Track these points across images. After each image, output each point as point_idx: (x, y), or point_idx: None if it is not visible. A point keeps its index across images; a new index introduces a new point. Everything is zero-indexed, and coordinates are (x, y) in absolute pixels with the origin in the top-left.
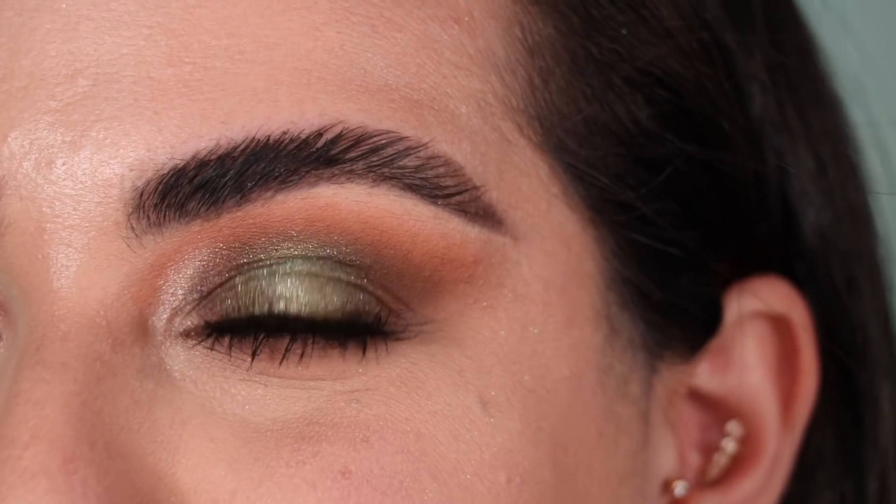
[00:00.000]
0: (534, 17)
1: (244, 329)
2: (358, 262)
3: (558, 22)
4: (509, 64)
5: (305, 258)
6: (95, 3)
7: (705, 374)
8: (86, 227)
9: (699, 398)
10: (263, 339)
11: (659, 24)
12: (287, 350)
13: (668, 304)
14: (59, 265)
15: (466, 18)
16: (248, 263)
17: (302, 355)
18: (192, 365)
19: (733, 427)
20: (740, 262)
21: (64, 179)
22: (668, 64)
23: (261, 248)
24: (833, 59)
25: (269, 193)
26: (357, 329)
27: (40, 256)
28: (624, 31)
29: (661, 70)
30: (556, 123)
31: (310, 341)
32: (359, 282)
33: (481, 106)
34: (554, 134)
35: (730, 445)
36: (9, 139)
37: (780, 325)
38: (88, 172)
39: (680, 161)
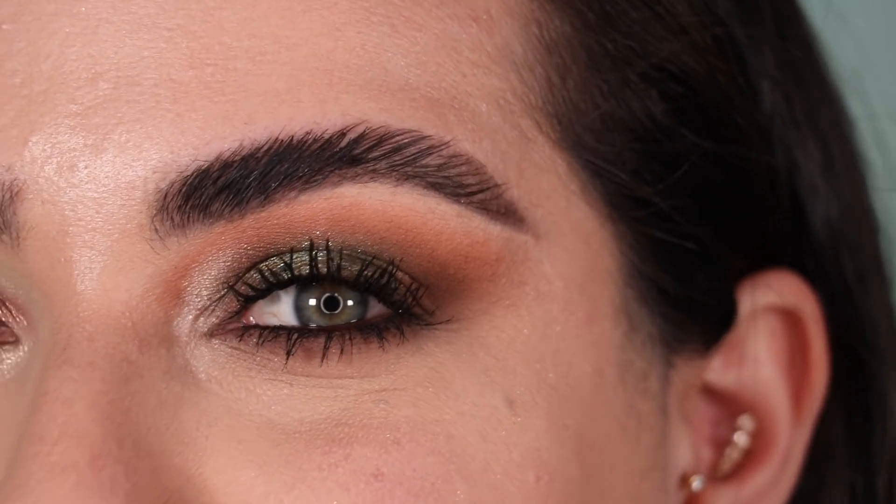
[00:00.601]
0: (550, 15)
1: (270, 326)
2: (384, 259)
3: (574, 19)
4: (527, 62)
5: (332, 254)
6: (115, 6)
7: (718, 368)
8: (109, 229)
9: (711, 392)
10: (296, 337)
11: (673, 20)
12: (325, 348)
13: (685, 299)
14: (82, 268)
15: (484, 17)
16: (272, 256)
17: (340, 352)
18: (216, 365)
19: (745, 421)
20: (753, 256)
21: (86, 183)
22: (683, 60)
23: (285, 248)
24: (832, 53)
25: (293, 194)
26: (389, 317)
27: (63, 260)
28: (637, 28)
29: (676, 66)
30: (573, 120)
31: (336, 334)
32: (388, 268)
33: (500, 104)
34: (572, 131)
35: (742, 440)
36: (30, 143)
37: (790, 319)
38: (111, 175)
39: (696, 156)
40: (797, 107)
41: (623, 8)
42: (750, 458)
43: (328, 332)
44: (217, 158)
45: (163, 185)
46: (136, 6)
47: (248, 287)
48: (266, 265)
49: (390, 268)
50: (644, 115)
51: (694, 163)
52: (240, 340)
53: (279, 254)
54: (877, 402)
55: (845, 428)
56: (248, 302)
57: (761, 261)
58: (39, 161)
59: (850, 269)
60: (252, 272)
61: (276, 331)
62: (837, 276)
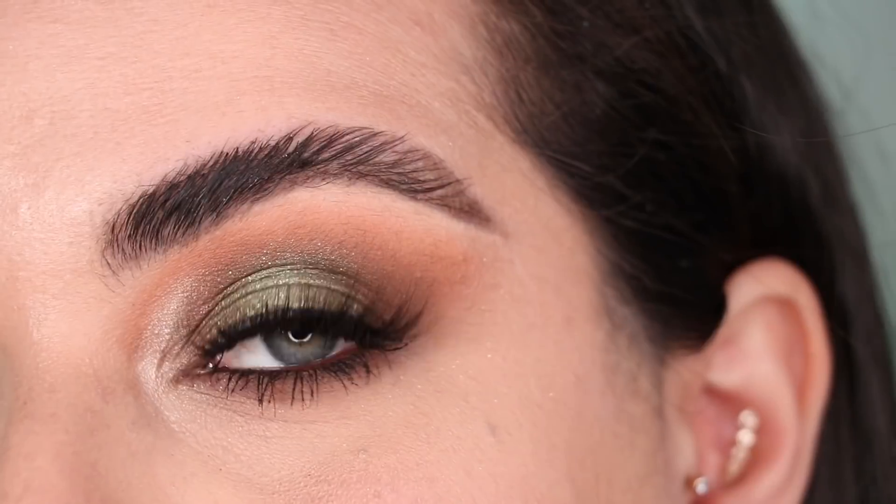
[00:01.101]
0: (497, 16)
1: (240, 370)
2: (345, 268)
3: (522, 18)
4: (477, 63)
5: (292, 269)
6: (42, 40)
7: (717, 366)
8: (59, 270)
9: (711, 393)
10: (267, 381)
11: (623, 18)
12: (294, 389)
13: (667, 294)
14: (36, 315)
15: (427, 21)
16: (233, 283)
17: (311, 393)
18: (188, 415)
19: (747, 417)
20: (739, 246)
21: (31, 224)
22: (637, 56)
23: (245, 267)
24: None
25: (245, 206)
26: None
27: (16, 307)
28: (586, 24)
29: (631, 62)
30: (532, 117)
31: (306, 374)
32: (350, 292)
33: (454, 102)
34: (531, 127)
35: (746, 438)
36: None
37: (786, 309)
38: (55, 213)
39: (660, 147)
40: (767, 92)
41: (571, 6)
42: (758, 457)
43: (297, 373)
44: (162, 181)
45: (109, 217)
46: (64, 39)
47: (210, 344)
48: (224, 320)
49: (349, 291)
50: (603, 110)
51: (659, 154)
52: (209, 386)
53: (238, 278)
54: (861, 395)
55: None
56: (211, 355)
57: (752, 252)
58: None
59: (830, 255)
60: (211, 330)
61: (246, 375)
62: (821, 264)
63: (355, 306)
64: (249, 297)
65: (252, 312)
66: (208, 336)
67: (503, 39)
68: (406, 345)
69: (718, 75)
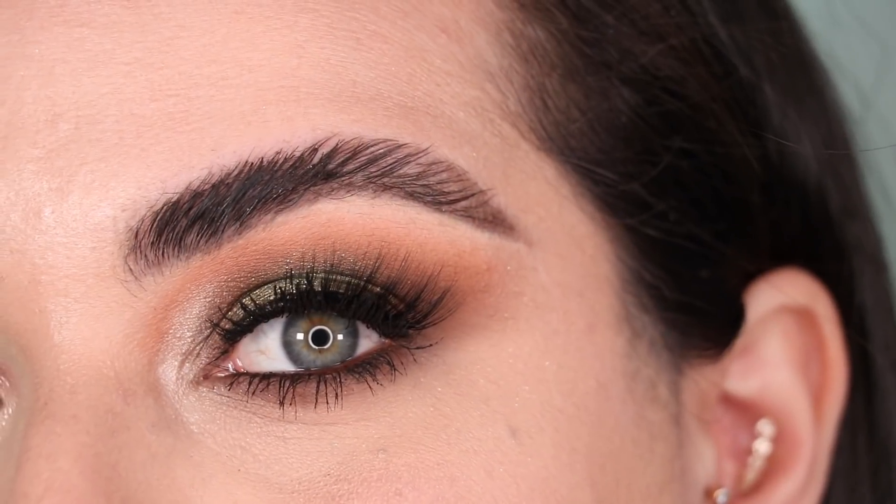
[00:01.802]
0: (523, 23)
1: (261, 374)
2: (371, 279)
3: (548, 26)
4: (503, 70)
5: (316, 276)
6: (69, 44)
7: (735, 375)
8: (82, 274)
9: (728, 401)
10: (288, 385)
11: (648, 25)
12: (317, 392)
13: (686, 303)
14: (58, 318)
15: (453, 28)
16: (256, 289)
17: (335, 396)
18: (208, 417)
19: (764, 426)
20: (760, 256)
21: (54, 228)
22: (662, 63)
23: (268, 275)
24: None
25: (268, 217)
26: (381, 351)
27: (37, 311)
28: (612, 31)
29: (656, 69)
30: (557, 125)
31: (329, 377)
32: (373, 288)
33: (478, 112)
34: (557, 135)
35: (763, 447)
36: None
37: (804, 319)
38: (79, 218)
39: (684, 155)
40: (789, 100)
41: (597, 13)
42: (774, 466)
43: (319, 376)
44: (186, 189)
45: (133, 223)
46: (91, 43)
47: (231, 323)
48: (249, 298)
49: (374, 288)
50: (629, 118)
51: (684, 161)
52: (230, 389)
53: (261, 284)
54: (878, 401)
55: (847, 429)
56: (231, 339)
57: (771, 261)
58: (5, 209)
59: (849, 264)
60: (235, 307)
61: (268, 378)
62: (840, 272)
63: (382, 301)
64: (273, 282)
65: (277, 290)
66: (233, 316)
67: (529, 46)
68: (430, 345)
69: (742, 83)
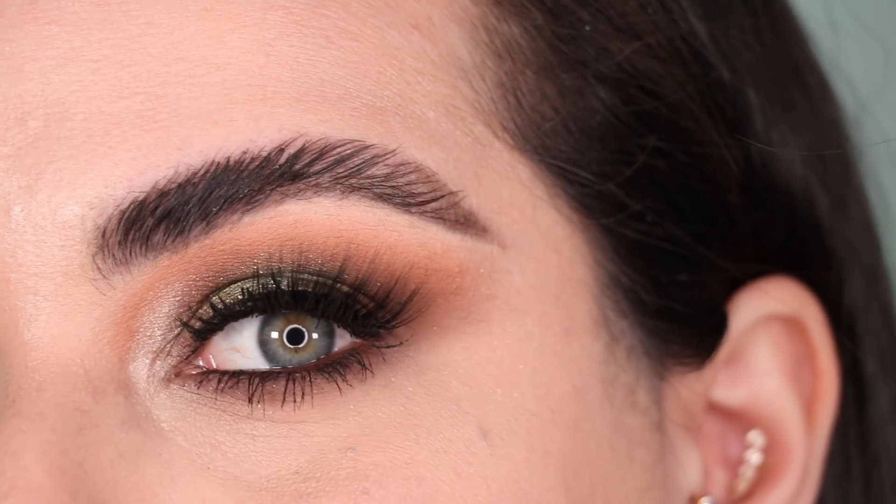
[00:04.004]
0: (497, 18)
1: (231, 371)
2: (339, 279)
3: (523, 23)
4: (476, 67)
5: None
6: (38, 42)
7: (722, 384)
8: (51, 272)
9: (717, 410)
10: (258, 382)
11: (624, 23)
12: (285, 390)
13: (666, 308)
14: (27, 315)
15: (426, 24)
16: (225, 287)
17: (302, 395)
18: (178, 414)
19: (755, 437)
20: (744, 262)
21: (24, 226)
22: (639, 62)
23: (235, 274)
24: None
25: (235, 217)
26: (352, 350)
27: (7, 308)
28: (587, 28)
29: (632, 68)
30: (531, 124)
31: (298, 376)
32: (346, 290)
33: (450, 110)
34: (531, 134)
35: (754, 457)
36: None
37: (793, 327)
38: (47, 216)
39: (660, 155)
40: (775, 103)
41: (573, 9)
42: (766, 475)
43: (289, 375)
44: (153, 188)
45: (100, 221)
46: (60, 41)
47: (200, 322)
48: (218, 297)
49: (343, 287)
50: (604, 117)
51: (659, 162)
52: (199, 386)
53: (230, 283)
54: (871, 407)
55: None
56: (202, 337)
57: (756, 268)
58: None
59: (839, 269)
60: (204, 306)
61: (237, 376)
62: (830, 277)
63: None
64: (240, 282)
65: (245, 292)
66: (202, 315)
67: (503, 42)
68: (400, 344)
69: (721, 84)
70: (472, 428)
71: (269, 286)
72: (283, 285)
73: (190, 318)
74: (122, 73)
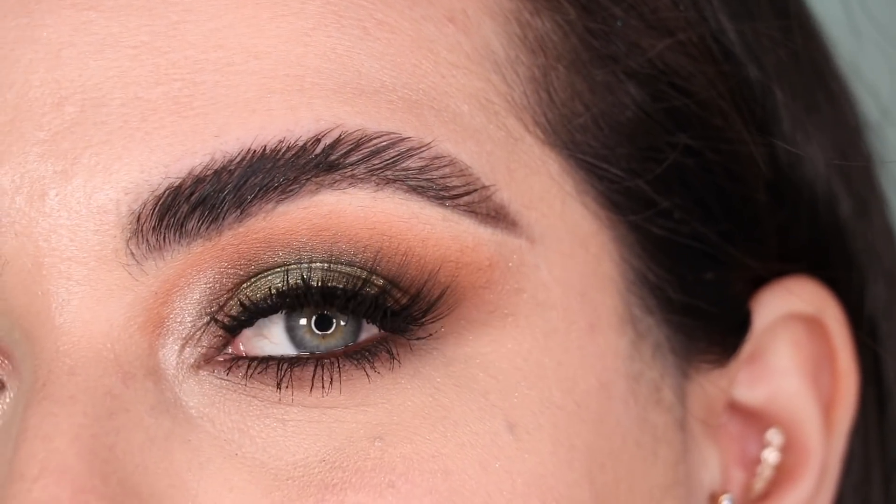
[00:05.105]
0: (531, 14)
1: (260, 357)
2: (371, 274)
3: (556, 17)
4: (509, 61)
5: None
6: (76, 28)
7: (742, 383)
8: (84, 257)
9: (736, 409)
10: (286, 367)
11: (656, 19)
12: (314, 376)
13: (692, 306)
14: (59, 300)
15: (461, 17)
16: (256, 276)
17: (330, 381)
18: (207, 400)
19: (773, 436)
20: (768, 261)
21: (58, 211)
22: (669, 58)
23: (267, 264)
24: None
25: (269, 205)
26: (381, 340)
27: (40, 293)
28: (620, 24)
29: (663, 64)
30: (562, 118)
31: (327, 362)
32: (377, 287)
33: (483, 104)
34: (561, 129)
35: (772, 456)
36: None
37: (814, 327)
38: (82, 201)
39: (689, 152)
40: (801, 104)
41: (605, 5)
42: (783, 474)
43: (317, 360)
44: (189, 174)
45: (135, 207)
46: (98, 27)
47: (229, 318)
48: (246, 294)
49: (374, 284)
50: (634, 113)
51: (688, 159)
52: (228, 373)
53: (261, 272)
54: (892, 409)
55: (859, 434)
56: (232, 332)
57: (779, 267)
58: (10, 192)
59: (860, 272)
60: (231, 303)
61: (266, 361)
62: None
63: (382, 296)
64: (271, 276)
65: (273, 290)
66: (230, 311)
67: (535, 37)
68: (430, 335)
69: (750, 82)
70: (499, 421)
71: (299, 285)
72: (313, 283)
73: (217, 312)
74: (159, 59)
